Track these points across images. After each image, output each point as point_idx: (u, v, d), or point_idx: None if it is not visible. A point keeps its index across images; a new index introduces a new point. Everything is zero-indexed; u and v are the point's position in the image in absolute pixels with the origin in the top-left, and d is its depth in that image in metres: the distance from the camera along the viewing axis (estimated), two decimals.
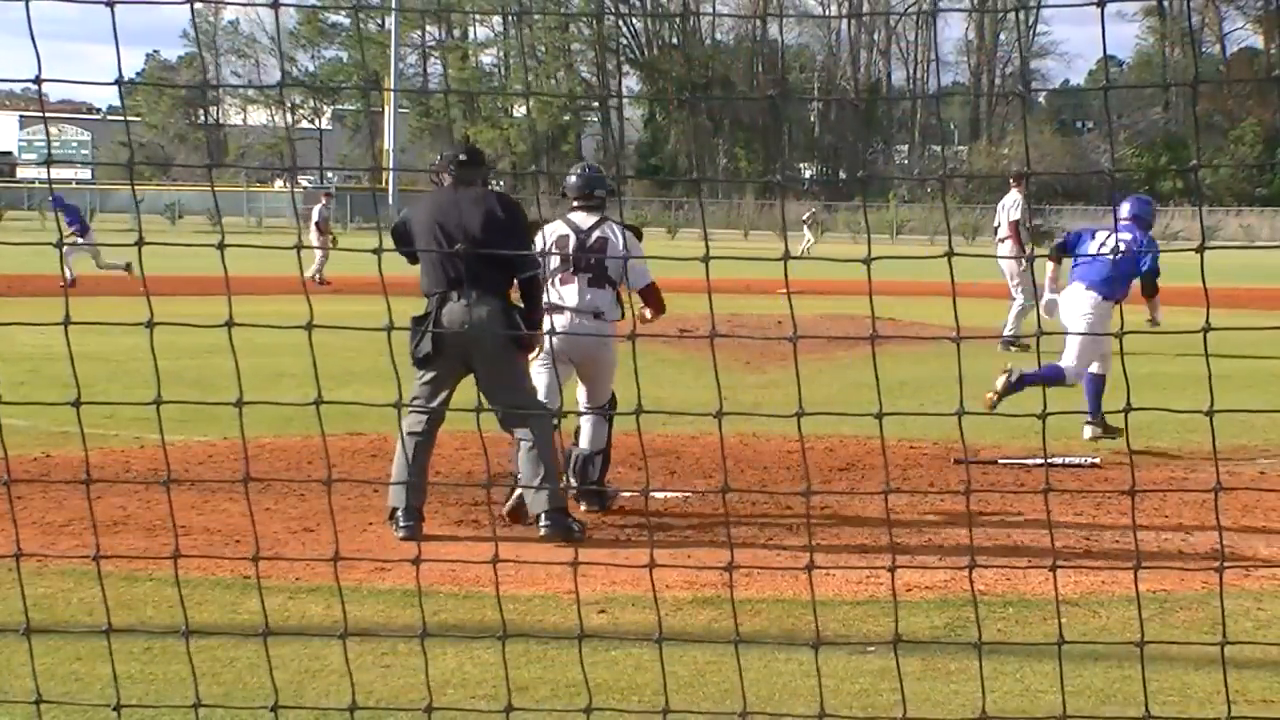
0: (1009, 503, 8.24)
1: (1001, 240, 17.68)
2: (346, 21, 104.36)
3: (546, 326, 7.66)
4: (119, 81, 2.81)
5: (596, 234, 7.99)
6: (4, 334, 15.00)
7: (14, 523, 3.75)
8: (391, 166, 63.91)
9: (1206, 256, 2.91)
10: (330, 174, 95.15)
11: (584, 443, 8.02)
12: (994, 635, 5.57)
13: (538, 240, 7.99)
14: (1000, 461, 9.27)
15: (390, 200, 69.87)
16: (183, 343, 14.16)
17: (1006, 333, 16.53)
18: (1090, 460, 9.27)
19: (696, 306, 16.79)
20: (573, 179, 8.22)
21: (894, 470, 9.10)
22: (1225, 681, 3.27)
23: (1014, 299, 17.10)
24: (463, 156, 7.72)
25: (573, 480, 7.91)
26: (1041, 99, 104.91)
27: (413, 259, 7.44)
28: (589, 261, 7.90)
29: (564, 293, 7.92)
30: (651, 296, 8.14)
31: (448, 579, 6.29)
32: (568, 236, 7.99)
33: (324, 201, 29.66)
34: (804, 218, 52.76)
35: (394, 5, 75.42)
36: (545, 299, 7.64)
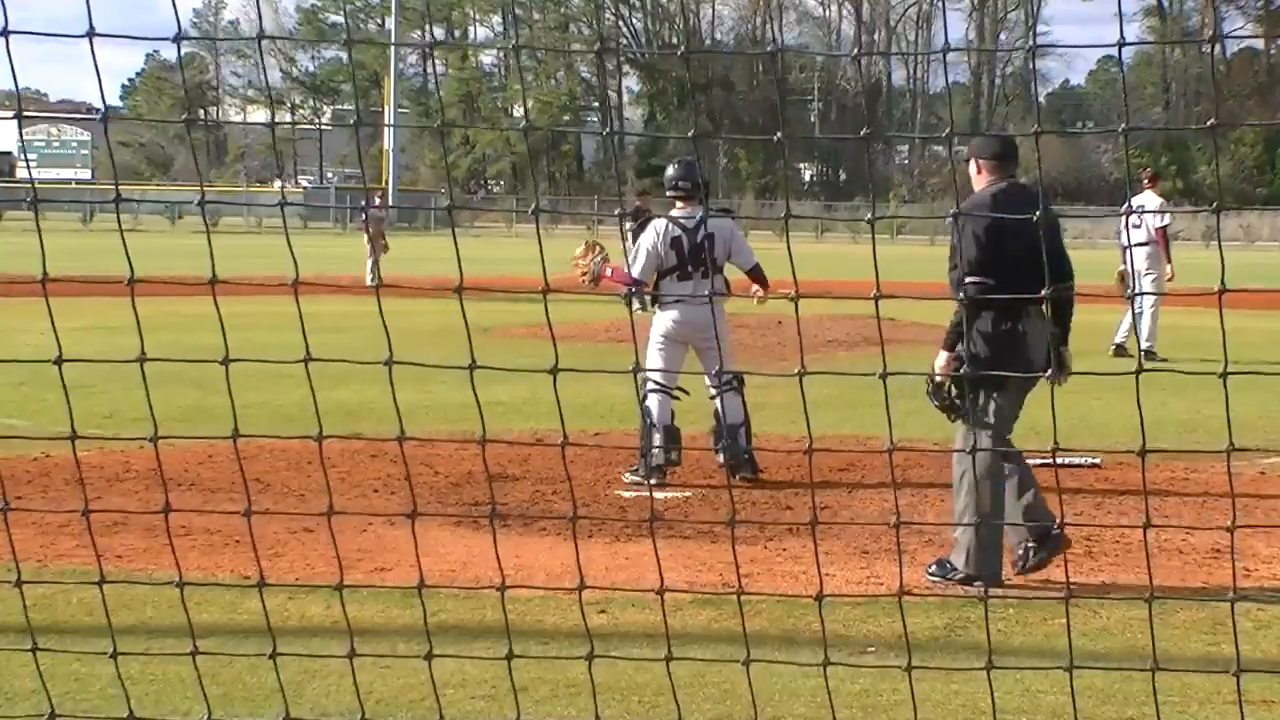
0: None
1: (1141, 244, 16.61)
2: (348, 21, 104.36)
3: (665, 315, 8.70)
4: (89, 34, 2.78)
5: (703, 232, 8.71)
6: (4, 335, 15.03)
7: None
8: (392, 160, 63.93)
9: (1208, 259, 2.91)
10: (330, 174, 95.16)
11: (727, 419, 8.68)
12: (994, 635, 5.56)
13: (649, 237, 8.75)
14: None
15: (390, 199, 69.88)
16: (185, 343, 14.18)
17: (1146, 341, 16.17)
18: (1090, 460, 9.26)
19: None
20: (670, 170, 9.02)
21: (893, 470, 9.09)
22: (1238, 682, 3.27)
23: (1140, 308, 16.16)
24: (1002, 149, 6.62)
25: (721, 456, 8.69)
26: (1042, 99, 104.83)
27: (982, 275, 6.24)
28: (700, 257, 8.70)
29: (682, 288, 8.70)
30: (758, 275, 8.92)
31: (447, 579, 6.29)
32: (680, 237, 8.72)
33: (376, 203, 29.42)
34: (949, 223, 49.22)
35: (393, 5, 75.51)
36: (662, 292, 8.68)
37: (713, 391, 8.73)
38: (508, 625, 3.69)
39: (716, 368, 8.51)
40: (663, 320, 8.78)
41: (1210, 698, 4.81)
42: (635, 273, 8.70)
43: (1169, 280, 16.48)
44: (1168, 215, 16.63)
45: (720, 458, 8.72)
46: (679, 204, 8.87)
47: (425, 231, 65.20)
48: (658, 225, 8.80)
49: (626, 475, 8.70)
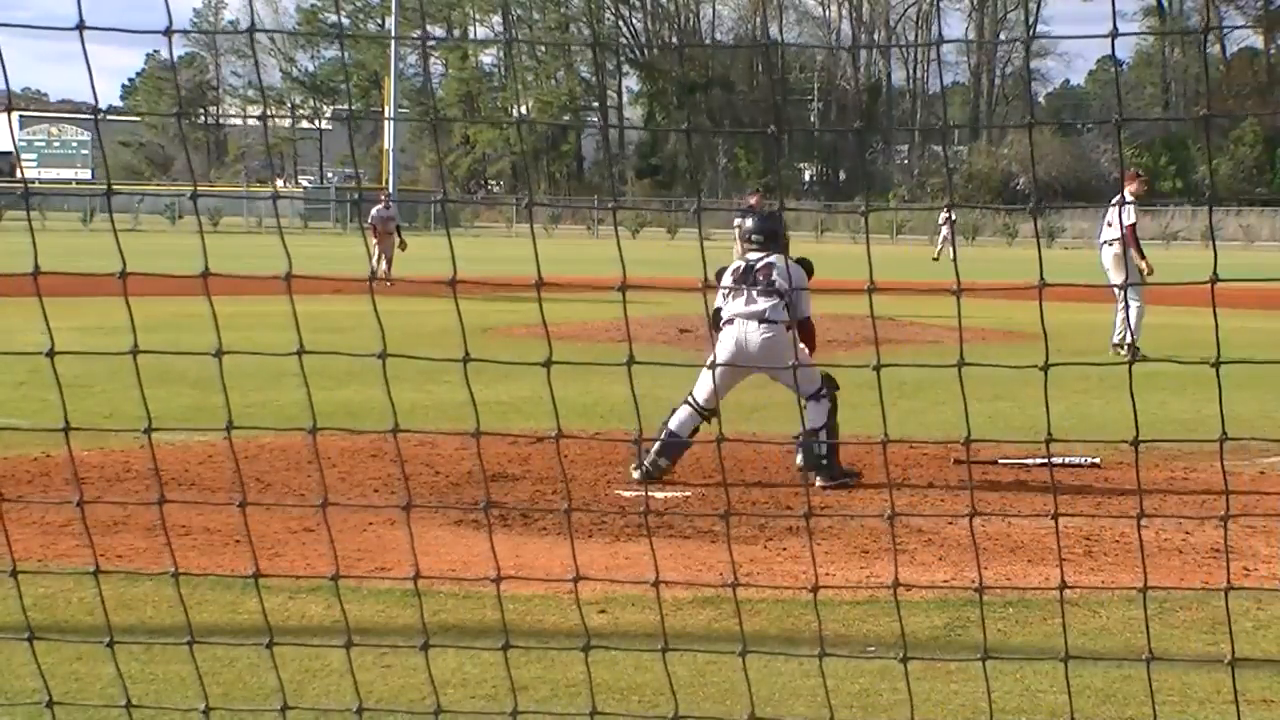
0: (1009, 502, 8.25)
1: (1109, 243, 16.83)
2: (347, 21, 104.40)
3: (720, 335, 8.72)
4: (80, 26, 2.78)
5: (764, 261, 8.91)
6: (4, 334, 15.03)
7: None
8: (392, 160, 63.88)
9: (1206, 256, 2.92)
10: (330, 174, 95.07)
11: (807, 423, 8.67)
12: (994, 635, 5.57)
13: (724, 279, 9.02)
14: (1000, 462, 9.26)
15: (390, 199, 69.90)
16: (184, 342, 14.18)
17: (1126, 338, 16.20)
18: (1090, 460, 9.27)
19: (697, 307, 16.79)
20: (749, 223, 9.28)
21: (894, 470, 9.10)
22: (1232, 673, 3.27)
23: (1124, 304, 16.32)
24: None
25: (800, 460, 8.70)
26: (1041, 99, 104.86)
27: None
28: (756, 277, 8.81)
29: (734, 305, 8.79)
30: (804, 331, 8.99)
31: (448, 579, 6.29)
32: (739, 266, 9.01)
33: (383, 202, 29.60)
34: (940, 221, 48.55)
35: (393, 5, 75.50)
36: (720, 315, 8.79)
37: (802, 401, 8.74)
38: (504, 615, 3.69)
39: (798, 392, 8.60)
40: (718, 341, 8.81)
41: (1210, 697, 4.81)
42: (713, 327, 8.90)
43: (1149, 275, 16.49)
44: (1133, 213, 16.70)
45: (799, 460, 8.73)
46: (752, 251, 9.05)
47: (425, 231, 65.18)
48: (729, 268, 9.15)
49: (634, 471, 8.69)
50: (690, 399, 8.77)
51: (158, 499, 3.08)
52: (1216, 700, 4.78)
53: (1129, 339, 16.03)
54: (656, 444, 8.62)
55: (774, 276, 8.81)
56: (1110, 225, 16.92)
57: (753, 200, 24.53)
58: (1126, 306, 16.15)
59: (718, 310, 8.94)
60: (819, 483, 8.57)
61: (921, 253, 49.61)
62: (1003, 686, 4.88)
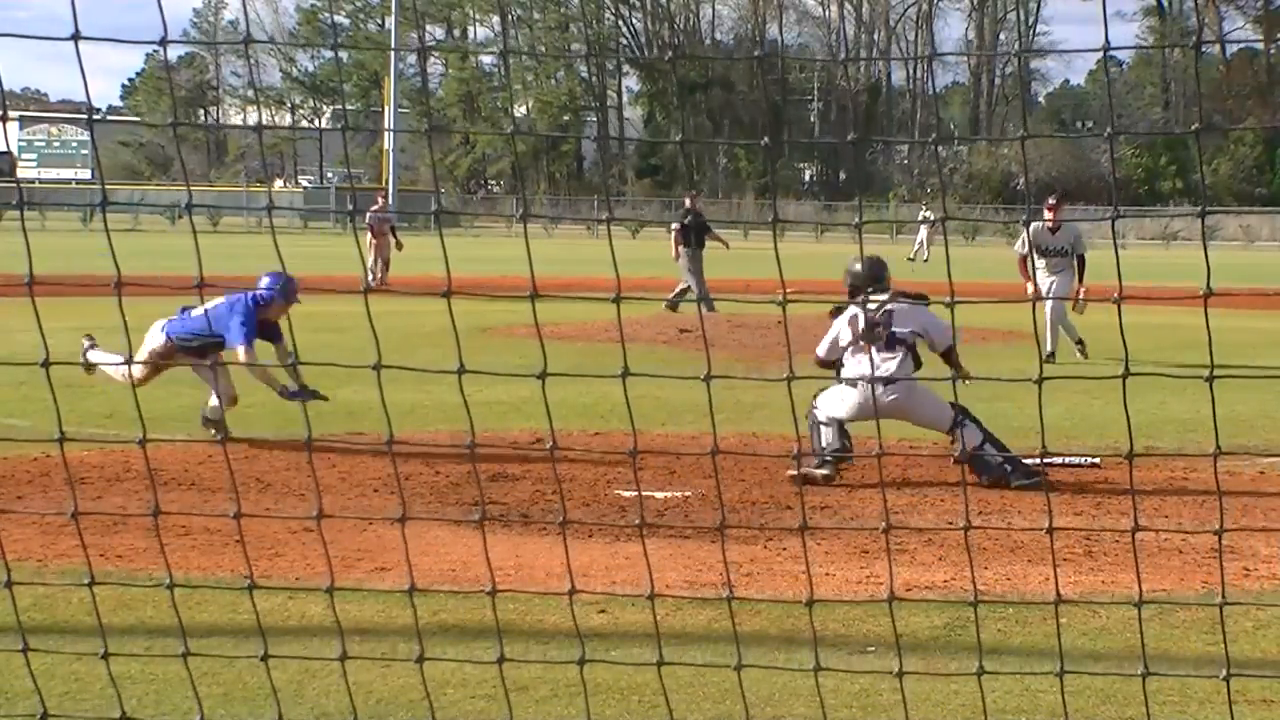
0: (1009, 502, 8.25)
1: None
2: (346, 22, 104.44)
3: (844, 393, 8.79)
4: (75, 37, 2.79)
5: (882, 310, 8.87)
6: (4, 334, 15.02)
7: None
8: (391, 160, 63.93)
9: (1213, 260, 2.92)
10: (330, 174, 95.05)
11: (967, 444, 8.73)
12: (994, 635, 5.57)
13: (837, 325, 8.98)
14: None
15: (390, 199, 69.86)
16: None
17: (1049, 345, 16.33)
18: (1090, 460, 9.27)
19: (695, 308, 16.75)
20: (856, 268, 9.19)
21: (894, 470, 9.10)
22: (1228, 686, 3.28)
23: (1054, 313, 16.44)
24: None
25: (984, 478, 8.64)
26: (1041, 99, 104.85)
27: None
28: (876, 331, 8.79)
29: (856, 366, 8.79)
30: (950, 358, 8.86)
31: (447, 579, 6.29)
32: (856, 316, 8.88)
33: (379, 204, 29.87)
34: (919, 219, 48.25)
35: (393, 5, 75.53)
36: (839, 371, 8.83)
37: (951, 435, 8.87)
38: (499, 630, 3.69)
39: (935, 426, 8.82)
40: (840, 396, 8.88)
41: (1210, 697, 4.81)
42: (819, 351, 9.02)
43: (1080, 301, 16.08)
44: (1018, 244, 16.78)
45: (983, 479, 8.71)
46: (870, 297, 9.05)
47: (425, 231, 65.12)
48: (843, 315, 9.04)
49: (819, 470, 8.69)
50: (821, 457, 8.79)
51: (152, 510, 3.08)
52: (1216, 700, 4.78)
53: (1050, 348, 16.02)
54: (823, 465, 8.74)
55: (894, 327, 8.84)
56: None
57: (688, 202, 24.75)
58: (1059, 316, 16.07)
59: (836, 362, 8.93)
60: (1015, 484, 8.55)
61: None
62: (1003, 686, 4.88)
